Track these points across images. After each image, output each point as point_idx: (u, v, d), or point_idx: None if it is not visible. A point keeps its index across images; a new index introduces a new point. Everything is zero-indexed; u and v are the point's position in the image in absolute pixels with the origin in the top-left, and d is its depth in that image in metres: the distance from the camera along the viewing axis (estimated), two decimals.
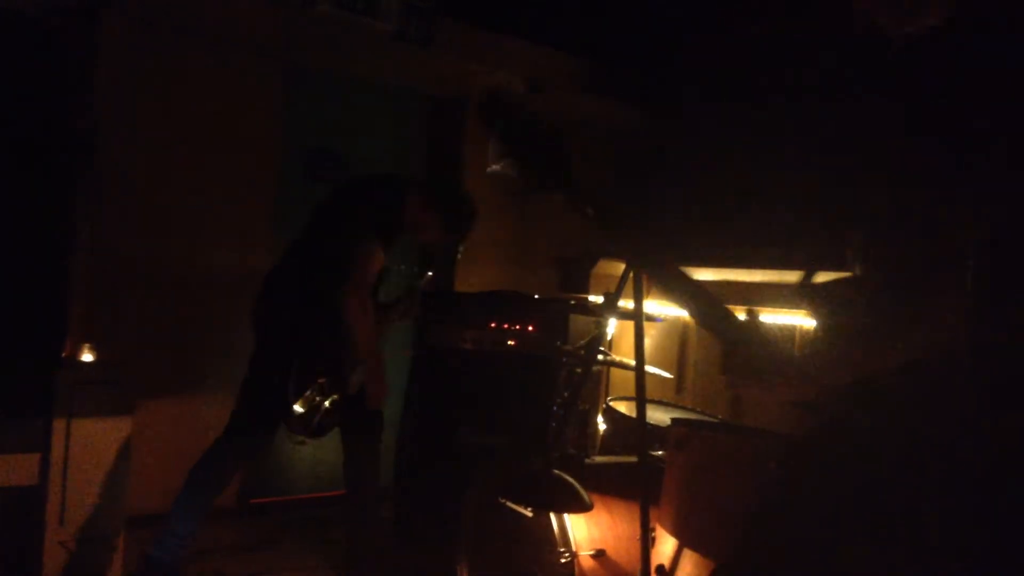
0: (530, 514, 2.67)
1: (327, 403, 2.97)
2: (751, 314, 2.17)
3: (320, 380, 2.93)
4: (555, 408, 3.06)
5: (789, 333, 3.46)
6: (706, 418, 3.13)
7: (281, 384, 2.84)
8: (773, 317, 3.51)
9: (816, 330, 1.33)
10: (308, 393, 2.89)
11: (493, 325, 3.52)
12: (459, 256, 4.07)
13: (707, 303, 1.40)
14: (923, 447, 1.20)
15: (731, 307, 1.46)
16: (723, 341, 1.36)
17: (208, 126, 3.95)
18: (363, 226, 2.93)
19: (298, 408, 2.86)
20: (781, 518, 1.33)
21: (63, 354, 3.15)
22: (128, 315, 3.69)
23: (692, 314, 1.41)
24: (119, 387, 3.09)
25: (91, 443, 3.00)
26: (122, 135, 3.68)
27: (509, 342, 3.48)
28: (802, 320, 3.43)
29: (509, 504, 2.68)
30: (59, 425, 2.94)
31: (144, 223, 3.78)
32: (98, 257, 3.59)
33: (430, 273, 3.47)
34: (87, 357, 3.13)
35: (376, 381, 3.00)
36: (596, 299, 4.71)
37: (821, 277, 3.15)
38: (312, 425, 2.94)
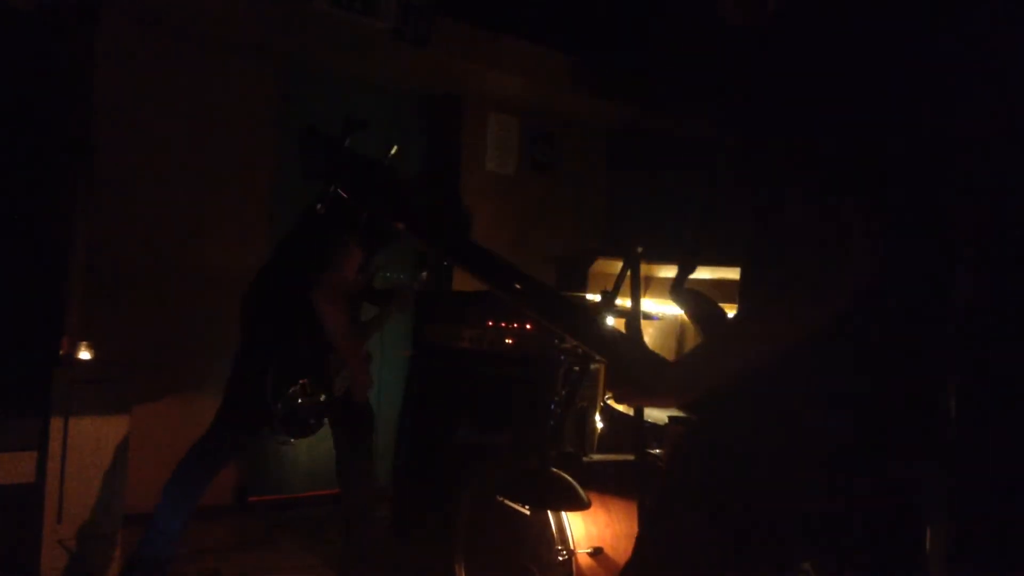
0: (528, 512, 2.67)
1: (309, 404, 2.96)
2: (629, 326, 2.17)
3: (302, 381, 2.93)
4: (553, 406, 3.06)
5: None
6: None
7: (260, 383, 2.82)
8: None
9: (694, 327, 1.32)
10: (289, 394, 2.88)
11: (491, 324, 3.52)
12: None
13: (591, 325, 1.41)
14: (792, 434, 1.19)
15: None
16: (609, 359, 1.34)
17: (206, 126, 3.96)
18: (347, 230, 2.85)
19: (279, 409, 2.85)
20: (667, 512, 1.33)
21: (61, 352, 3.16)
22: (126, 314, 3.69)
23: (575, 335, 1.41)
24: (117, 385, 3.09)
25: (89, 441, 3.00)
26: (121, 135, 3.69)
27: (507, 341, 3.48)
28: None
29: (507, 502, 2.68)
30: (57, 423, 2.94)
31: (142, 223, 3.78)
32: (96, 256, 3.60)
33: (424, 273, 3.47)
34: (85, 355, 3.13)
35: (359, 374, 2.98)
36: (594, 297, 4.71)
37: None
38: (293, 426, 2.93)
